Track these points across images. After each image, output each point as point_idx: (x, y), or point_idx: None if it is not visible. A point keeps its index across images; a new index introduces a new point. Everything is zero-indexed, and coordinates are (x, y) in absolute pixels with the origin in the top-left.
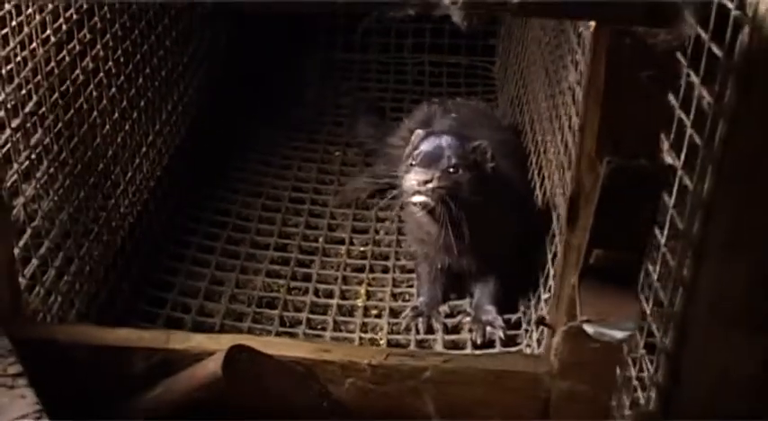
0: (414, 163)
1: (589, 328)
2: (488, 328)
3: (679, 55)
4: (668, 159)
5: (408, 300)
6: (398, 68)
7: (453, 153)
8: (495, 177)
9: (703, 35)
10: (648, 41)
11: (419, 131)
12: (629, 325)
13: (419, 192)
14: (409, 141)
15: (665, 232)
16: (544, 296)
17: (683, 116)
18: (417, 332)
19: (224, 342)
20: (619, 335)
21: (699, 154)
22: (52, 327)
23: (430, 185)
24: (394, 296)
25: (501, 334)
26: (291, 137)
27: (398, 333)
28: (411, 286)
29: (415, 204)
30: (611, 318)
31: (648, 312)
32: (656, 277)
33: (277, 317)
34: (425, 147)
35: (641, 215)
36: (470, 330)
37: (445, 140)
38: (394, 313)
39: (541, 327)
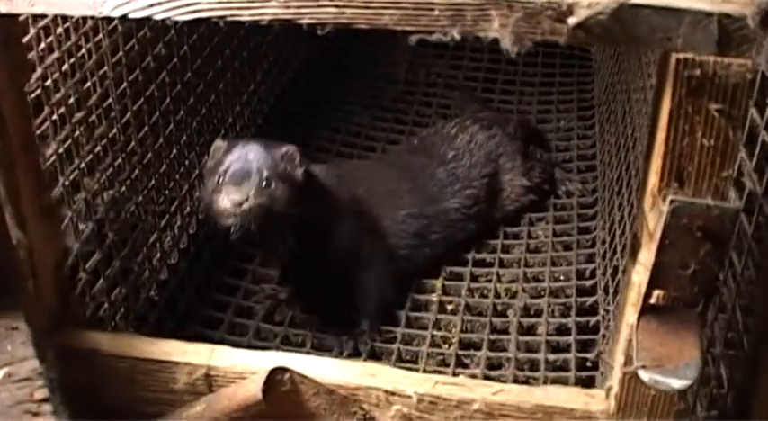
0: (222, 180)
1: (644, 376)
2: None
3: None
4: (749, 184)
5: (486, 296)
6: (493, 47)
7: (264, 165)
8: (315, 184)
9: None
10: (719, 72)
11: (219, 143)
12: (689, 373)
13: (234, 216)
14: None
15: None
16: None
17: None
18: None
19: (267, 360)
20: (676, 384)
21: None
22: (97, 336)
23: (245, 206)
24: (471, 291)
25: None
26: (378, 117)
27: (472, 331)
28: (489, 280)
29: (230, 228)
30: (670, 365)
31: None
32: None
33: None
34: (232, 162)
35: (707, 256)
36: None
37: (253, 152)
38: (470, 309)
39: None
